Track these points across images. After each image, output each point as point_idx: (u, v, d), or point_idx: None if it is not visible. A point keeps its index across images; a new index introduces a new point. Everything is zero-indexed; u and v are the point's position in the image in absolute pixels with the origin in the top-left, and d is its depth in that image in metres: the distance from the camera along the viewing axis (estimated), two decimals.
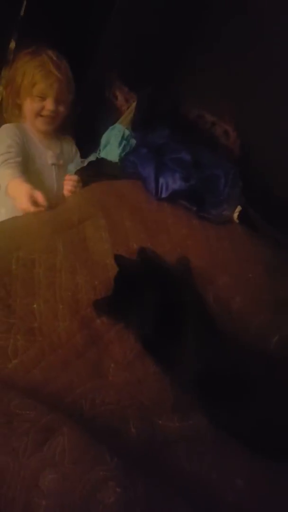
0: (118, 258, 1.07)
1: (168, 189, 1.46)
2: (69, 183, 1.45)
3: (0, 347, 0.89)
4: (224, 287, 1.22)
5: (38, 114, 1.46)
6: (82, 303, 1.04)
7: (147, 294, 0.95)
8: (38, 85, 1.39)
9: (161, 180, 1.46)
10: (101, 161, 1.57)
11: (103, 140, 1.60)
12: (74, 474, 0.67)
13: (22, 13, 1.79)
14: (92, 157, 1.70)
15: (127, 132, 1.58)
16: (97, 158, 1.61)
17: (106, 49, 1.99)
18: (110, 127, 1.61)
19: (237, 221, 1.54)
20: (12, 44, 1.94)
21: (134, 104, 1.85)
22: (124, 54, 2.05)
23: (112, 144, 1.56)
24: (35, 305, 1.00)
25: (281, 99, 1.74)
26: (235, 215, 1.54)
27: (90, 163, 1.60)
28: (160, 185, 1.46)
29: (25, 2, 1.76)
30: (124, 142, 1.55)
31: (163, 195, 1.46)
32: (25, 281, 1.04)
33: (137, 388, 0.90)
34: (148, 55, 2.00)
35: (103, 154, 1.58)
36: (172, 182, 1.46)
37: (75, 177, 1.47)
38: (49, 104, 1.44)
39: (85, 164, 1.62)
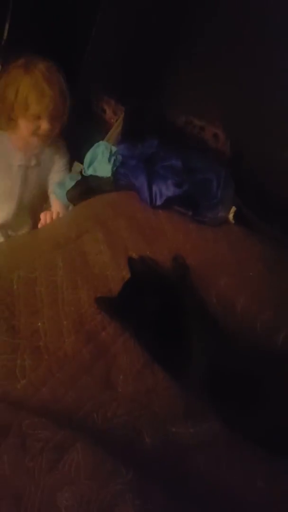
0: (131, 262, 1.08)
1: (162, 196, 1.46)
2: (42, 218, 1.47)
3: (7, 368, 0.89)
4: (226, 288, 1.21)
5: (34, 133, 1.46)
6: (86, 317, 1.04)
7: (145, 303, 0.95)
8: (32, 106, 1.37)
9: (155, 188, 1.47)
10: (90, 177, 1.58)
11: (87, 158, 1.61)
12: (91, 490, 0.66)
13: (4, 35, 1.83)
14: (74, 173, 1.72)
15: (114, 148, 1.61)
16: (83, 176, 1.62)
17: (90, 65, 2.02)
18: (95, 145, 1.64)
19: (233, 221, 1.55)
20: None
21: (122, 116, 1.87)
22: (109, 68, 2.08)
23: (101, 161, 1.58)
24: (39, 324, 1.00)
25: (267, 97, 1.76)
26: (231, 216, 1.54)
27: (79, 181, 1.61)
28: (154, 193, 1.47)
29: (7, 25, 1.80)
30: (113, 157, 1.56)
31: (158, 203, 1.47)
32: (27, 300, 1.04)
33: (148, 397, 0.90)
34: (132, 66, 2.03)
35: (90, 171, 1.59)
36: (166, 189, 1.47)
37: (50, 214, 1.48)
38: (44, 124, 1.42)
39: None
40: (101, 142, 1.65)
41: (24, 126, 1.43)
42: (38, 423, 0.76)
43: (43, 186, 1.69)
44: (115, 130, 1.90)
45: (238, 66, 1.81)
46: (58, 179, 1.68)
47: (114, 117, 1.99)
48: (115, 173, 1.57)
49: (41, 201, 1.73)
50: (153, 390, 0.91)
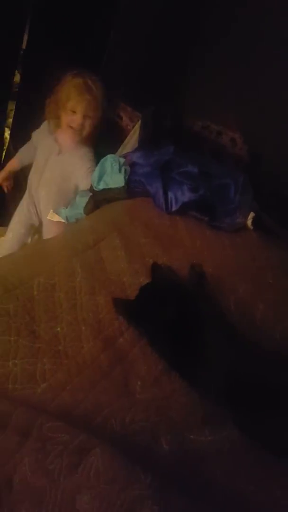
0: (154, 267, 1.09)
1: (178, 202, 1.47)
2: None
3: (28, 372, 0.91)
4: (245, 295, 1.21)
5: (69, 125, 1.72)
6: (104, 323, 1.05)
7: (163, 310, 0.96)
8: (71, 101, 1.67)
9: (170, 194, 1.48)
10: (103, 191, 1.62)
11: (95, 174, 1.66)
12: (110, 494, 0.67)
13: (24, 45, 1.88)
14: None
15: (122, 160, 1.65)
16: (94, 191, 1.66)
17: (107, 71, 2.05)
18: (102, 160, 1.68)
19: (251, 227, 1.53)
20: (17, 77, 2.02)
21: (139, 123, 1.89)
22: (125, 74, 2.10)
23: (111, 173, 1.63)
24: (58, 329, 1.02)
25: (285, 101, 1.74)
26: (249, 221, 1.53)
27: (92, 196, 1.65)
28: (170, 199, 1.48)
29: (26, 36, 1.85)
30: (124, 168, 1.61)
31: (174, 209, 1.47)
32: (47, 306, 1.07)
33: (166, 404, 0.90)
34: (148, 72, 2.05)
35: (101, 186, 1.63)
36: (181, 195, 1.47)
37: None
38: (78, 118, 1.70)
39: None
40: (108, 156, 1.69)
41: (63, 117, 1.72)
42: (58, 427, 0.78)
43: (63, 182, 1.83)
44: (132, 136, 1.92)
45: (256, 70, 1.80)
46: (84, 186, 1.76)
47: (131, 124, 2.01)
48: (128, 181, 1.59)
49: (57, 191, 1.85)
50: (171, 397, 0.91)
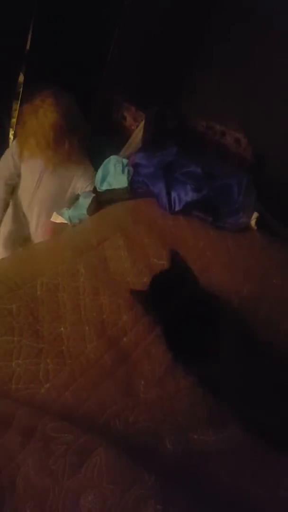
0: (173, 253, 1.08)
1: (181, 202, 1.47)
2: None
3: (31, 372, 0.91)
4: (249, 296, 1.21)
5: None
6: (108, 323, 1.05)
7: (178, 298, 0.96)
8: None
9: (173, 194, 1.48)
10: (107, 191, 1.63)
11: (99, 175, 1.67)
12: (113, 494, 0.67)
13: (27, 46, 1.89)
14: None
15: (125, 160, 1.65)
16: (98, 192, 1.66)
17: (111, 72, 2.05)
18: (105, 160, 1.69)
19: (255, 227, 1.53)
20: (21, 78, 2.03)
21: (142, 123, 1.89)
22: (129, 75, 2.10)
23: (115, 174, 1.63)
24: (62, 329, 1.02)
25: None
26: (253, 222, 1.53)
27: (95, 197, 1.65)
28: (173, 199, 1.48)
29: (30, 36, 1.85)
30: (127, 168, 1.61)
31: (177, 209, 1.47)
32: (50, 306, 1.07)
33: (170, 404, 0.90)
34: (152, 73, 2.05)
35: (105, 186, 1.63)
36: (184, 195, 1.47)
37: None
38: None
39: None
40: (111, 156, 1.69)
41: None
42: (62, 427, 0.78)
43: (59, 196, 1.80)
44: (136, 136, 1.92)
45: (260, 70, 1.80)
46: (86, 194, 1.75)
47: (135, 124, 2.01)
48: (131, 182, 1.59)
49: (51, 206, 1.82)
50: (175, 397, 0.91)
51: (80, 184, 1.76)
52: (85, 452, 0.73)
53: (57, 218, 1.76)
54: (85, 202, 1.66)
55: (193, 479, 0.77)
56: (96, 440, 0.75)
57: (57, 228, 1.69)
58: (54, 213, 1.79)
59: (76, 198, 1.80)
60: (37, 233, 1.87)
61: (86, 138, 1.75)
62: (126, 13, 1.97)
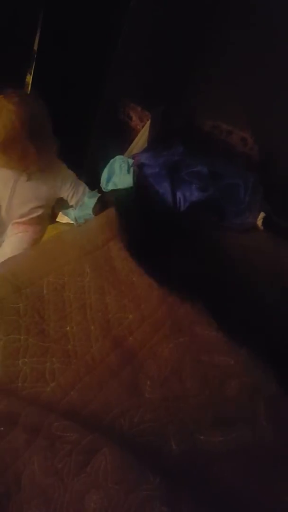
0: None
1: (186, 202, 1.47)
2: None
3: (37, 371, 0.92)
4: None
5: None
6: (113, 322, 1.05)
7: None
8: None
9: (178, 194, 1.48)
10: (112, 191, 1.62)
11: (104, 174, 1.65)
12: (118, 494, 0.67)
13: (35, 46, 1.89)
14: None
15: (130, 160, 1.64)
16: (103, 192, 1.65)
17: (116, 71, 2.05)
18: (111, 161, 1.67)
19: (261, 228, 1.53)
20: (29, 78, 2.03)
21: (148, 123, 1.89)
22: (135, 74, 2.10)
23: (121, 174, 1.62)
24: (68, 328, 1.02)
25: None
26: (259, 222, 1.52)
27: (100, 197, 1.64)
28: (178, 199, 1.48)
29: (38, 35, 1.85)
30: (132, 169, 1.60)
31: (182, 208, 1.47)
32: (56, 305, 1.07)
33: (176, 404, 0.90)
34: (158, 72, 2.05)
35: (110, 186, 1.62)
36: (190, 194, 1.47)
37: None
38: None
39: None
40: (116, 157, 1.69)
41: None
42: (67, 426, 0.78)
43: (37, 200, 1.67)
44: (141, 136, 1.92)
45: (266, 68, 1.79)
46: (73, 202, 1.67)
47: (140, 123, 2.01)
48: (136, 182, 1.59)
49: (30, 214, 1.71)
50: (180, 398, 0.91)
51: (64, 193, 1.65)
52: (90, 451, 0.73)
53: (63, 219, 1.77)
54: (90, 202, 1.67)
55: (200, 480, 0.76)
56: (101, 440, 0.75)
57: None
58: (60, 213, 1.79)
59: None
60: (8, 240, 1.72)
61: (51, 151, 1.58)
62: (132, 13, 1.97)
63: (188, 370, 0.95)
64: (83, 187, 1.64)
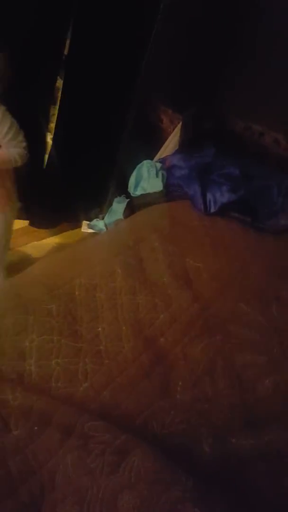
0: None
1: (217, 203, 1.45)
2: None
3: (70, 371, 0.93)
4: None
5: None
6: (144, 322, 1.05)
7: None
8: None
9: (209, 195, 1.47)
10: (141, 196, 1.63)
11: (132, 180, 1.67)
12: (151, 495, 0.67)
13: (65, 51, 1.92)
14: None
15: (158, 165, 1.65)
16: (132, 196, 1.67)
17: (148, 75, 2.06)
18: (137, 166, 1.69)
19: None
20: (59, 83, 2.07)
21: (179, 125, 1.89)
22: (167, 77, 2.10)
23: (148, 178, 1.63)
24: (99, 328, 1.03)
25: None
26: None
27: (129, 202, 1.65)
28: (208, 200, 1.46)
29: (68, 40, 1.89)
30: (161, 172, 1.61)
31: (212, 210, 1.46)
32: (88, 306, 1.08)
33: (207, 406, 0.89)
34: (189, 75, 2.04)
35: (139, 191, 1.64)
36: (220, 196, 1.45)
37: None
38: None
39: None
40: (144, 161, 1.70)
41: None
42: (100, 426, 0.79)
43: None
44: (172, 139, 1.92)
45: None
46: (10, 145, 1.39)
47: (171, 126, 2.01)
48: (166, 185, 1.59)
49: None
50: (212, 399, 0.90)
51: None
52: (122, 452, 0.74)
53: (88, 230, 1.80)
54: (119, 207, 1.69)
55: (231, 483, 0.75)
56: (133, 441, 0.75)
57: None
58: (85, 224, 1.81)
59: None
60: None
61: None
62: (164, 16, 1.97)
63: (220, 371, 0.94)
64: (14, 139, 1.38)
